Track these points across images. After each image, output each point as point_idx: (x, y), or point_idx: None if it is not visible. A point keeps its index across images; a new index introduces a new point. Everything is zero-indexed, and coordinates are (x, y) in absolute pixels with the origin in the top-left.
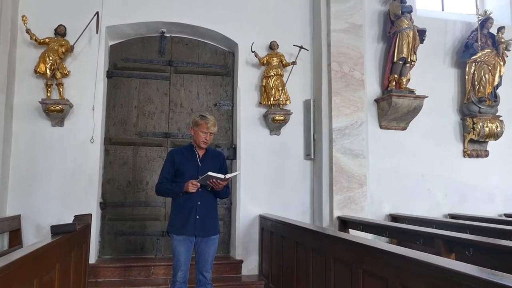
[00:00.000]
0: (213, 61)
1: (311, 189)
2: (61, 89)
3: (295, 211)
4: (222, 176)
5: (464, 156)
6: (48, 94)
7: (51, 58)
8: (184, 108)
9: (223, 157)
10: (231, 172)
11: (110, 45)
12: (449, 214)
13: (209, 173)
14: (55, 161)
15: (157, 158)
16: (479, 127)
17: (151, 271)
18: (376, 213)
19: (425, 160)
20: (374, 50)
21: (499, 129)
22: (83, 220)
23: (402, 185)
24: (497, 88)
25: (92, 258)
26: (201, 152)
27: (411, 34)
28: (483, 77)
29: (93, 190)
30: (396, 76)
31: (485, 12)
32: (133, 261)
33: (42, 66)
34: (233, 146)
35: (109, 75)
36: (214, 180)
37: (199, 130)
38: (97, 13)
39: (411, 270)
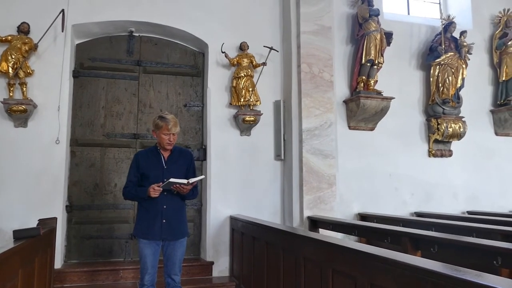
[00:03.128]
0: (183, 61)
1: (282, 189)
2: (24, 89)
3: (266, 211)
4: (185, 181)
5: (429, 156)
6: (11, 94)
7: (13, 57)
8: (153, 109)
9: (190, 156)
10: (200, 173)
11: (77, 44)
12: (415, 212)
13: (171, 179)
14: (19, 163)
15: (126, 160)
16: (443, 127)
17: (119, 275)
18: (345, 212)
19: (392, 160)
20: (343, 52)
21: (462, 129)
22: (47, 224)
23: (370, 185)
24: (460, 90)
25: (58, 263)
26: (166, 154)
27: (378, 37)
28: (447, 79)
29: (59, 193)
30: (364, 77)
31: (448, 16)
32: (100, 265)
33: (4, 64)
34: (203, 147)
35: (76, 74)
36: (177, 185)
37: (161, 133)
38: (63, 10)
39: (378, 268)
